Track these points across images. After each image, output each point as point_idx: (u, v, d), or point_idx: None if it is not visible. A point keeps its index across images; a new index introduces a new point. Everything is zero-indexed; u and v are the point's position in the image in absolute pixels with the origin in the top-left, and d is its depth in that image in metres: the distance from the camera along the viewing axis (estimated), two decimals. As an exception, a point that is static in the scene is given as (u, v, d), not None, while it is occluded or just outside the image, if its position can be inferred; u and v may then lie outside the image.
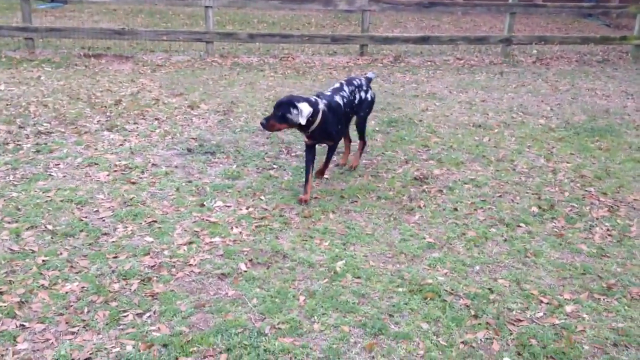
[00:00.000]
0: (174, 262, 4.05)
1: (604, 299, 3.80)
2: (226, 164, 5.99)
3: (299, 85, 9.58)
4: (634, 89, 10.31)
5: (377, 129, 7.42)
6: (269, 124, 4.74)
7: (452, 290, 3.82)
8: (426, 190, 5.54)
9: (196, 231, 4.50)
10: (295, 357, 3.07)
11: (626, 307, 3.69)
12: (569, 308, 3.67)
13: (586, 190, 5.63)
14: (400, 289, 3.80)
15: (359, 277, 3.93)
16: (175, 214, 4.78)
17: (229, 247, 4.28)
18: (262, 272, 3.95)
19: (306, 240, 4.43)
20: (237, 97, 8.60)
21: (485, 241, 4.56)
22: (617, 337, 3.37)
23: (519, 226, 4.84)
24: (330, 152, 5.39)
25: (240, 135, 6.88)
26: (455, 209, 5.13)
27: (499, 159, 6.47)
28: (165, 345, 3.16)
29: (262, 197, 5.20)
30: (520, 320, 3.53)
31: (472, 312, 3.58)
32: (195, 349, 3.13)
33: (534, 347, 3.25)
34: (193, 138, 6.69)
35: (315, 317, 3.44)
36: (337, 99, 5.16)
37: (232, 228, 4.58)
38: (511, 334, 3.38)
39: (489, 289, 3.86)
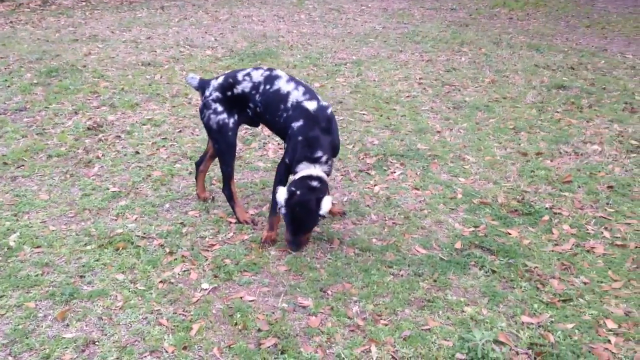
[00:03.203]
0: None
1: (281, 206, 4.23)
2: None
3: None
4: (284, 12, 11.33)
5: (35, 81, 6.64)
6: (302, 245, 3.60)
7: (145, 234, 3.78)
8: (103, 138, 5.25)
9: None
10: (-27, 354, 2.69)
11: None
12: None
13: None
14: (88, 247, 3.59)
15: (39, 247, 3.57)
16: None
17: None
18: None
19: (-34, 221, 3.81)
20: None
21: (171, 178, 4.59)
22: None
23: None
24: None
25: None
26: (137, 152, 5.01)
27: (174, 94, 6.49)
28: None
29: None
30: (213, 245, 3.71)
31: (167, 250, 3.61)
32: None
33: (228, 265, 3.47)
34: None
35: (-8, 303, 3.04)
36: (329, 109, 3.60)
37: None
38: (206, 259, 3.53)
39: (181, 223, 3.94)
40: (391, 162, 4.90)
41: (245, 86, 3.69)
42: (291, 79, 3.67)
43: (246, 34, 9.42)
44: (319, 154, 3.44)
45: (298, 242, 3.55)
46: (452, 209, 4.16)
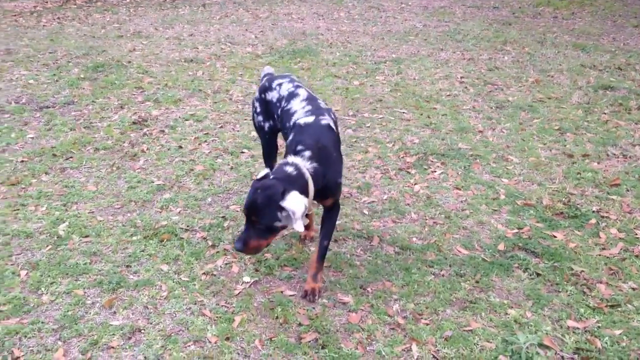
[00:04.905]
0: None
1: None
2: None
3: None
4: (323, 10, 11.34)
5: (82, 76, 6.82)
6: (249, 247, 2.80)
7: (188, 226, 3.84)
8: (147, 133, 5.36)
9: None
10: (26, 336, 2.78)
11: (340, 206, 4.18)
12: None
13: (296, 109, 6.10)
14: (134, 238, 3.67)
15: (87, 236, 3.67)
16: None
17: None
18: (-33, 256, 3.41)
19: (18, 210, 3.94)
20: None
21: (213, 173, 4.66)
22: (336, 233, 3.81)
23: (242, 152, 5.04)
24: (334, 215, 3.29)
25: None
26: (180, 147, 5.09)
27: (215, 90, 6.57)
28: None
29: (-48, 172, 4.42)
30: (255, 239, 3.74)
31: (210, 243, 3.66)
32: None
33: (269, 260, 3.50)
34: None
35: (43, 289, 3.14)
36: (325, 120, 3.16)
37: None
38: (248, 253, 3.57)
39: (223, 217, 3.99)
40: (432, 161, 4.86)
41: (273, 95, 3.54)
42: (307, 98, 3.36)
43: (286, 32, 9.47)
44: (300, 147, 2.97)
45: (245, 239, 2.78)
46: (495, 210, 4.10)
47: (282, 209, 2.70)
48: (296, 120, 3.16)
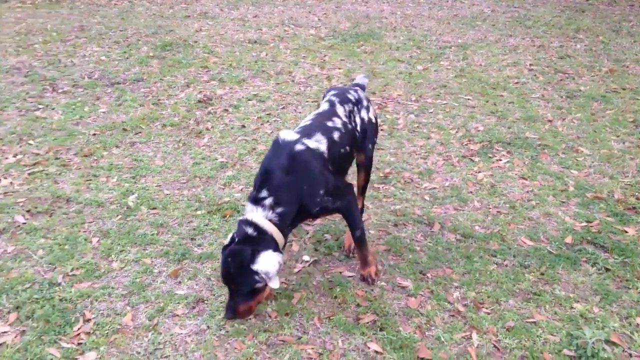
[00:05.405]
0: None
1: (382, 187, 4.22)
2: (-22, 110, 5.19)
3: (55, 16, 8.52)
4: (388, -5, 11.19)
5: (151, 54, 7.01)
6: (240, 313, 2.67)
7: (250, 203, 3.90)
8: (212, 111, 5.47)
9: (-46, 191, 3.89)
10: (97, 299, 2.91)
11: (401, 191, 4.16)
12: (354, 200, 4.01)
13: (358, 93, 6.06)
14: (199, 212, 3.77)
15: (154, 208, 3.80)
16: None
17: (-1, 201, 3.79)
18: (44, 221, 3.59)
19: (90, 180, 4.12)
20: (-22, 33, 7.37)
21: (274, 152, 4.70)
22: (396, 218, 3.80)
23: (303, 134, 5.05)
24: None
25: (-10, 77, 5.98)
26: (243, 126, 5.17)
27: (278, 72, 6.62)
28: (-63, 323, 2.75)
29: (32, 142, 4.64)
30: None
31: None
32: (-24, 316, 2.79)
33: (328, 241, 3.52)
34: None
35: (113, 256, 3.27)
36: (300, 146, 2.77)
37: (-1, 180, 4.05)
38: (307, 233, 3.61)
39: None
40: (497, 150, 4.74)
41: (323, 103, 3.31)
42: (319, 112, 3.12)
43: (349, 15, 9.40)
44: (264, 194, 2.68)
45: (234, 307, 2.64)
46: (563, 202, 3.96)
47: (256, 272, 2.57)
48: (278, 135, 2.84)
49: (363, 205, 3.51)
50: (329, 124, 3.00)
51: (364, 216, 3.75)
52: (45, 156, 4.42)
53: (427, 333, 2.78)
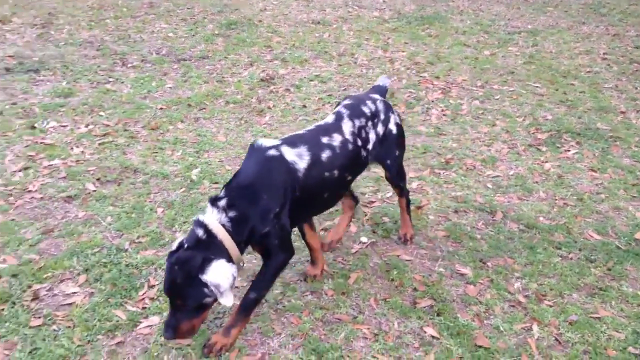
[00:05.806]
0: (10, 190, 3.67)
1: (443, 173, 4.16)
2: (54, 81, 5.42)
3: (125, -9, 8.75)
4: (456, -22, 10.91)
5: (216, 32, 7.11)
6: (182, 332, 2.32)
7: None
8: (274, 90, 5.51)
9: (30, 155, 4.08)
10: (161, 267, 3.01)
11: (463, 177, 4.08)
12: (414, 184, 3.96)
13: (421, 76, 5.97)
14: (259, 188, 3.82)
15: (216, 183, 3.87)
16: (3, 140, 4.28)
17: (71, 168, 3.95)
18: (113, 189, 3.73)
19: (157, 153, 4.24)
20: (55, 8, 7.67)
21: (335, 133, 4.70)
22: (457, 205, 3.74)
23: (364, 116, 5.02)
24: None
25: (65, 49, 6.22)
26: (304, 106, 5.19)
27: (340, 53, 6.59)
28: (14, 276, 2.91)
29: (102, 113, 4.82)
30: (373, 202, 3.76)
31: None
32: (49, 274, 2.93)
33: (386, 224, 3.50)
34: (10, 56, 5.91)
35: (177, 227, 3.37)
36: (273, 152, 2.50)
37: (72, 148, 4.22)
38: (366, 215, 3.60)
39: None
40: (565, 140, 4.57)
41: None
42: (320, 127, 2.79)
43: (415, -3, 9.23)
44: (221, 194, 2.44)
45: (175, 325, 2.29)
46: (634, 197, 3.79)
47: (205, 284, 2.23)
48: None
49: (407, 199, 3.25)
50: (324, 140, 2.67)
51: (423, 201, 3.71)
52: (115, 127, 4.58)
53: (485, 322, 2.73)
